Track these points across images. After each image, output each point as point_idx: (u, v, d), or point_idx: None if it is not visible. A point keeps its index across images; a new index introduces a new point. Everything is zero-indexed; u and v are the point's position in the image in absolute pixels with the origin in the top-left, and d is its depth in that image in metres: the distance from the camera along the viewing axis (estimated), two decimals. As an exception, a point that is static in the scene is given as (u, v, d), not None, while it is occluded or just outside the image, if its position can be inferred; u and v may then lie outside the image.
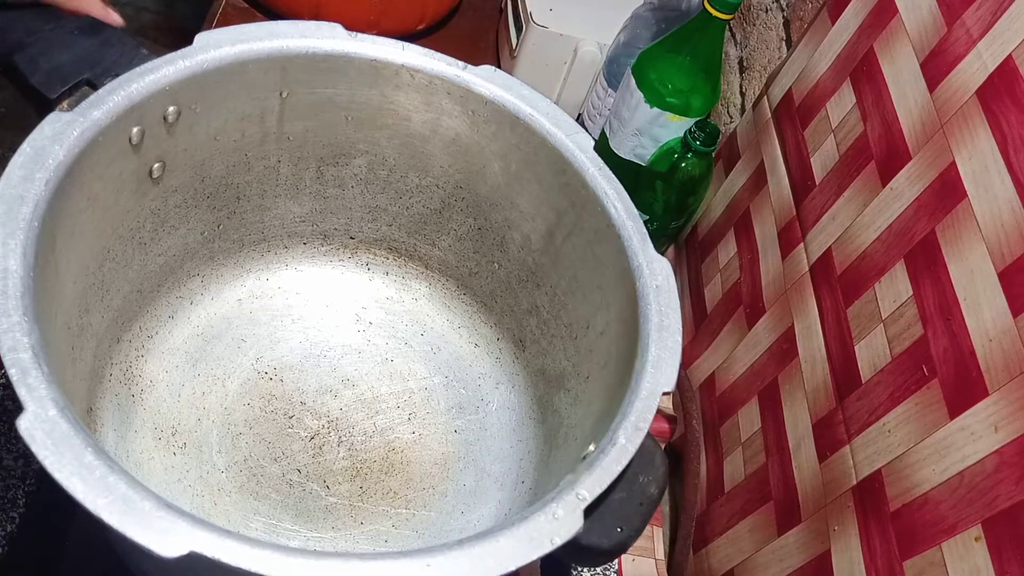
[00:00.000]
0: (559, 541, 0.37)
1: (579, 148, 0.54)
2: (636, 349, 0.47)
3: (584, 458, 0.43)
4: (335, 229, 0.66)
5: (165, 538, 0.32)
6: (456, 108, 0.56)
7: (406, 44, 0.54)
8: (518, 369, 0.65)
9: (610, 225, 0.52)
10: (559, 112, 0.55)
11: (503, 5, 1.10)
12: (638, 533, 0.43)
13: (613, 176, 0.53)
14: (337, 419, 0.62)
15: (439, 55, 0.55)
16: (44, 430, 0.34)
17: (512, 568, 0.36)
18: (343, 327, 0.67)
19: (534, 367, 0.63)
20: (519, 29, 0.98)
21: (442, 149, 0.60)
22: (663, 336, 0.47)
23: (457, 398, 0.65)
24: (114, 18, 0.51)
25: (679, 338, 0.47)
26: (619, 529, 0.42)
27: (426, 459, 0.62)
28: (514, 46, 0.99)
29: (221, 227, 0.60)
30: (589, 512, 0.39)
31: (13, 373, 0.35)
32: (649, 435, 0.43)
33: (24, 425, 0.33)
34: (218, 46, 0.49)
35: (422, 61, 0.55)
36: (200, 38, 0.49)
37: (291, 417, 0.61)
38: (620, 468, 0.40)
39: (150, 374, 0.58)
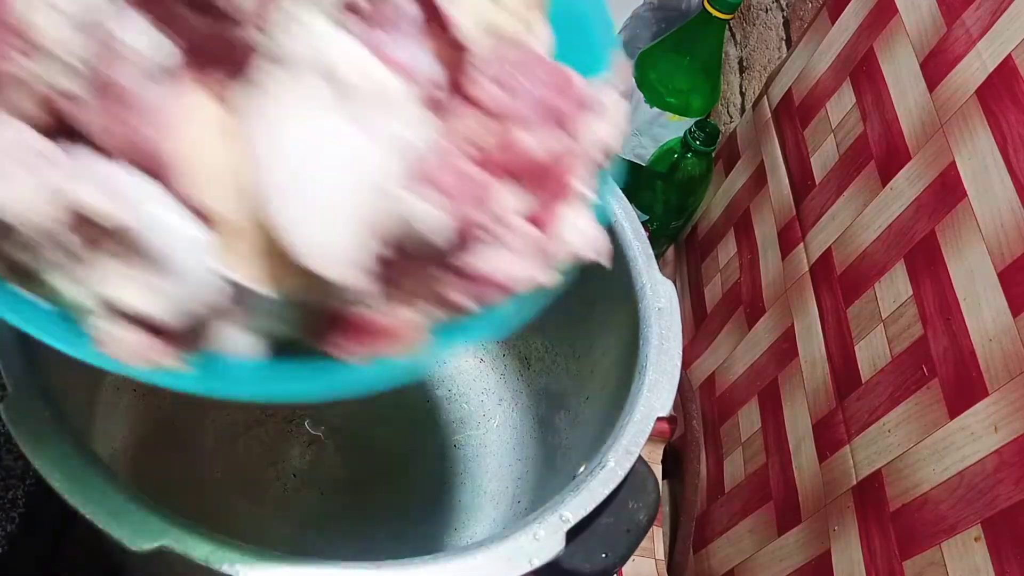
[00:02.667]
0: (537, 563, 0.36)
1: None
2: (634, 371, 0.46)
3: (573, 478, 0.42)
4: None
5: (137, 532, 0.32)
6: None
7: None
8: (522, 387, 0.64)
9: (618, 245, 0.51)
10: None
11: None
12: (623, 560, 0.41)
13: (622, 195, 0.52)
14: (338, 427, 0.62)
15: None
16: (26, 416, 0.33)
17: None
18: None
19: (537, 385, 0.63)
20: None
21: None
22: (662, 360, 0.46)
23: (459, 412, 0.65)
24: None
25: (678, 362, 0.46)
26: (604, 555, 0.41)
27: (424, 472, 0.61)
28: (514, 46, 0.98)
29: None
30: (573, 535, 0.38)
31: None
32: (642, 460, 0.42)
33: (5, 409, 0.33)
34: None
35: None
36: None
37: (291, 422, 0.61)
38: (607, 492, 0.39)
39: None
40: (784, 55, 0.81)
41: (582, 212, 0.30)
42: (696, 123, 0.79)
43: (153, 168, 0.26)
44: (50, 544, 0.58)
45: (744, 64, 0.91)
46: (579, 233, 0.30)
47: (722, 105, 0.95)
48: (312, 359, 0.31)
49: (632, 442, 0.41)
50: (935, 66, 0.56)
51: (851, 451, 0.57)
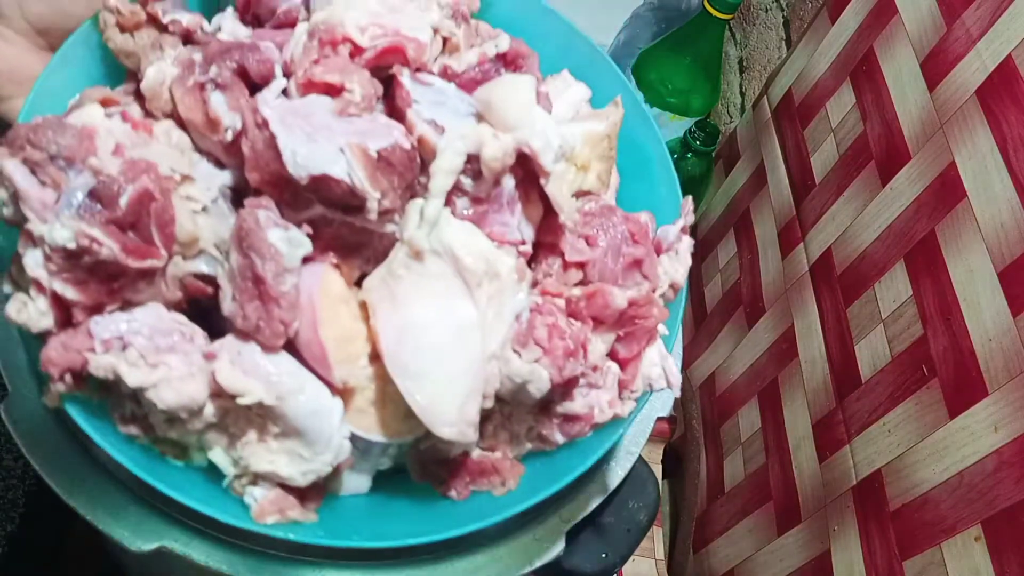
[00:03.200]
0: (537, 563, 0.36)
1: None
2: None
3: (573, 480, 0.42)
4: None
5: (136, 532, 0.32)
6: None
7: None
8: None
9: None
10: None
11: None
12: (624, 560, 0.41)
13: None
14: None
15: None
16: (26, 416, 0.33)
17: None
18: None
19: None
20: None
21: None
22: None
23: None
24: None
25: (679, 362, 0.46)
26: (604, 555, 0.41)
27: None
28: (514, 46, 0.98)
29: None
30: (573, 535, 0.38)
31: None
32: (642, 461, 0.42)
33: (5, 409, 0.33)
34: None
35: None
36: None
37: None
38: (606, 492, 0.39)
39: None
40: (784, 55, 0.81)
41: (657, 348, 0.34)
42: (696, 123, 0.79)
43: (290, 346, 0.29)
44: (50, 544, 0.58)
45: (744, 64, 0.91)
46: (656, 368, 0.34)
47: (722, 105, 0.95)
48: (412, 492, 0.33)
49: (632, 442, 0.41)
50: (935, 66, 0.56)
51: (851, 451, 0.57)
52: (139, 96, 0.31)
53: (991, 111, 0.50)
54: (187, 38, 0.32)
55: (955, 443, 0.47)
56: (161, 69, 0.30)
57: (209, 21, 0.33)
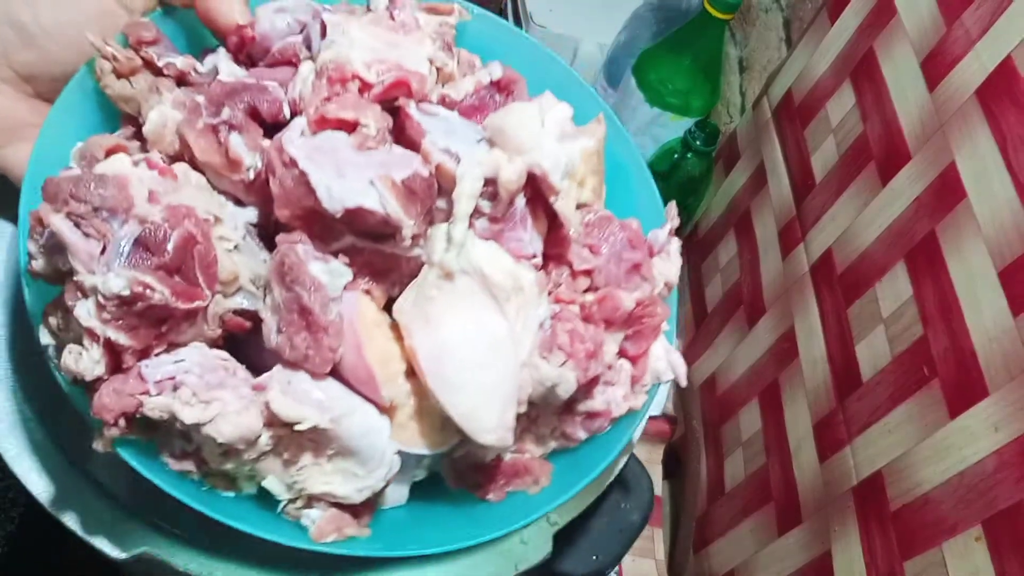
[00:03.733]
0: (524, 566, 0.37)
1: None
2: None
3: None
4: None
5: (117, 539, 0.33)
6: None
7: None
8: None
9: None
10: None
11: (503, 5, 1.10)
12: (616, 561, 0.41)
13: None
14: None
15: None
16: (8, 421, 0.34)
17: None
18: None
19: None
20: (519, 29, 0.98)
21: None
22: None
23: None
24: None
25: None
26: (595, 557, 0.41)
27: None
28: (514, 46, 0.98)
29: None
30: (563, 537, 0.38)
31: None
32: (636, 460, 0.42)
33: None
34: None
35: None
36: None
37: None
38: (595, 493, 0.39)
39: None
40: (784, 55, 0.81)
41: (662, 342, 0.37)
42: (696, 123, 0.79)
43: (333, 373, 0.30)
44: (50, 544, 0.58)
45: (744, 64, 0.91)
46: (661, 361, 0.36)
47: (722, 105, 0.95)
48: (450, 498, 0.35)
49: None
50: (935, 66, 0.56)
51: (852, 451, 0.57)
52: (140, 139, 0.32)
53: (991, 111, 0.49)
54: (181, 80, 0.34)
55: (955, 443, 0.47)
56: (162, 112, 0.32)
57: (199, 60, 0.34)
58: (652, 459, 0.81)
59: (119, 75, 0.33)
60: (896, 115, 0.59)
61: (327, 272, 0.29)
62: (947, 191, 0.52)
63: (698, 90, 0.82)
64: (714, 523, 0.73)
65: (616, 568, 0.73)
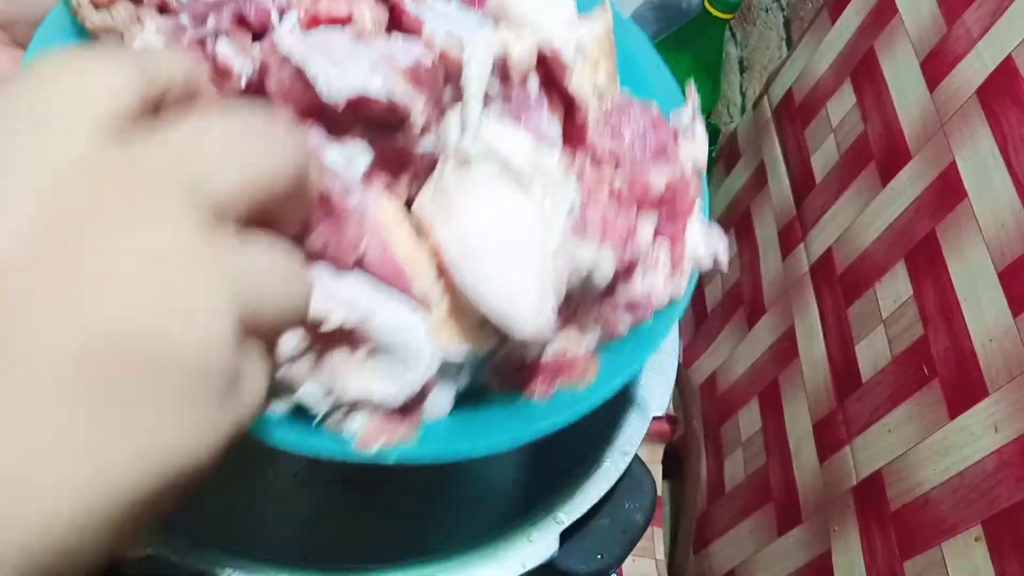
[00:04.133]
0: (530, 565, 0.36)
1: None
2: None
3: (568, 480, 0.42)
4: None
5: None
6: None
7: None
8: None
9: None
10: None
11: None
12: (619, 561, 0.41)
13: None
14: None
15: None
16: None
17: None
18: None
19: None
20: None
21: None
22: (658, 359, 0.45)
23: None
24: None
25: (675, 362, 0.46)
26: (599, 556, 0.40)
27: (419, 472, 0.61)
28: (514, 46, 0.98)
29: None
30: (568, 536, 0.38)
31: None
32: (638, 460, 0.42)
33: None
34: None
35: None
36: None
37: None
38: (601, 492, 0.39)
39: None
40: (784, 55, 0.81)
41: (699, 225, 0.34)
42: (696, 123, 0.79)
43: (370, 269, 0.29)
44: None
45: (744, 64, 0.91)
46: (702, 244, 0.34)
47: (722, 105, 0.94)
48: (496, 402, 0.33)
49: (627, 441, 0.41)
50: (935, 66, 0.56)
51: (851, 451, 0.57)
52: None
53: (992, 111, 0.49)
54: (163, 9, 0.32)
55: (955, 443, 0.47)
56: (146, 40, 0.30)
57: None
58: (652, 459, 0.81)
59: (97, 6, 0.31)
60: (897, 115, 0.59)
61: (343, 155, 0.28)
62: (948, 191, 0.52)
63: (698, 90, 0.82)
64: (714, 523, 0.73)
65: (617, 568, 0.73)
